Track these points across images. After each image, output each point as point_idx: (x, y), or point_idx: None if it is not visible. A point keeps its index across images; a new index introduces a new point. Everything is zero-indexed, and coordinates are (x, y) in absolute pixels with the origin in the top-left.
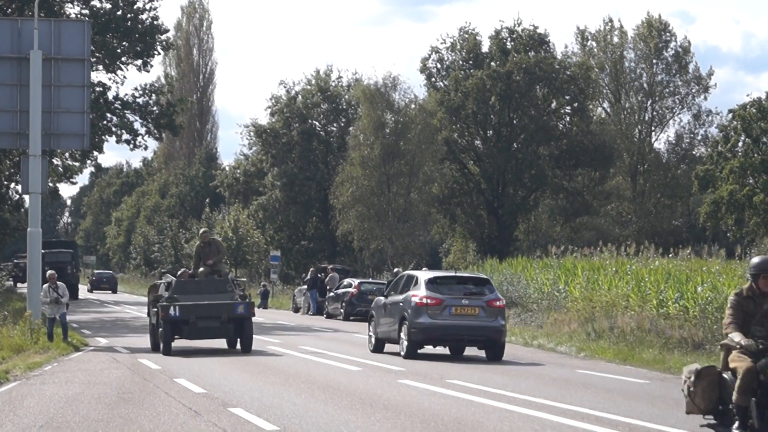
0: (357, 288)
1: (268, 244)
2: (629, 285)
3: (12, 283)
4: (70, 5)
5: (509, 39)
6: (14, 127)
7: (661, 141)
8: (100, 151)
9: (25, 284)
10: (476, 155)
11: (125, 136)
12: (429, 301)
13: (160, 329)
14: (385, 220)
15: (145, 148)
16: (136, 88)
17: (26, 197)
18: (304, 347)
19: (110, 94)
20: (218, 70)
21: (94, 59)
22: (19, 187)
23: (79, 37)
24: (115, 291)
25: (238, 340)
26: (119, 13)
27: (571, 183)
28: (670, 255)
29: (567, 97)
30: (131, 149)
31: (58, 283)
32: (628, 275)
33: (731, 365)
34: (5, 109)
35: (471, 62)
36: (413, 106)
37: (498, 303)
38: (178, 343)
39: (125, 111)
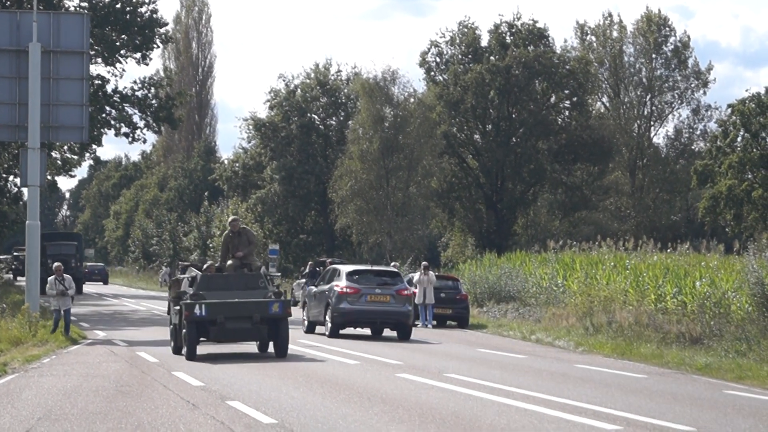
0: None
1: (267, 237)
2: (627, 280)
3: (12, 276)
4: None
5: (508, 33)
6: (13, 120)
7: (660, 136)
8: (99, 144)
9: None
10: (475, 149)
11: (124, 129)
12: (348, 290)
13: (184, 330)
14: (384, 214)
15: (144, 141)
16: (135, 82)
17: (25, 190)
18: (301, 340)
19: (109, 87)
20: (217, 63)
21: (93, 52)
22: (17, 180)
23: (78, 29)
24: (106, 282)
25: (271, 343)
26: (118, 6)
27: (569, 177)
28: (669, 250)
29: (566, 92)
30: (130, 142)
31: (64, 275)
32: (626, 270)
33: None
34: (4, 102)
35: (470, 56)
36: (412, 100)
37: (406, 292)
38: (203, 347)
39: (124, 104)
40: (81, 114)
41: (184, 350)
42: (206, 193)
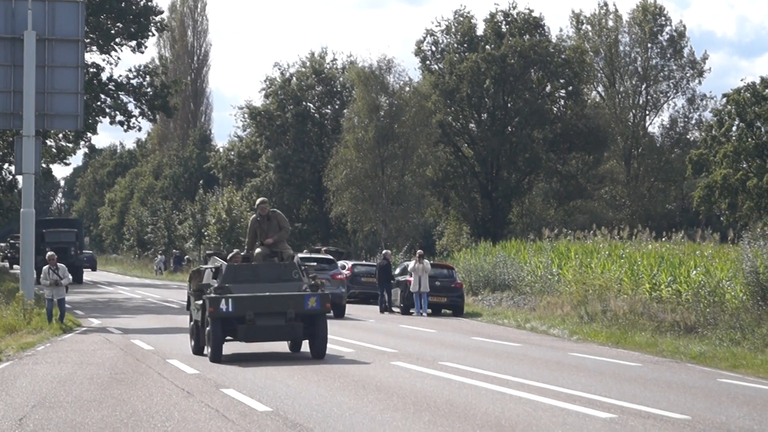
0: (350, 270)
1: None
2: (622, 268)
3: (7, 264)
4: None
5: (504, 22)
6: (8, 108)
7: (655, 125)
8: (94, 132)
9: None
10: (470, 138)
11: (119, 117)
12: None
13: (207, 328)
14: (379, 203)
15: (139, 129)
16: (130, 70)
17: (20, 178)
18: None
19: (104, 75)
20: (212, 51)
21: (88, 40)
22: (12, 168)
23: (73, 17)
24: (94, 269)
25: (306, 342)
26: None
27: (565, 166)
28: (664, 239)
29: (561, 81)
30: (125, 130)
31: (58, 264)
32: (621, 259)
33: None
34: None
35: (466, 45)
36: (408, 88)
37: (339, 276)
38: (229, 347)
39: (119, 92)
40: (76, 102)
41: (207, 350)
42: (201, 182)
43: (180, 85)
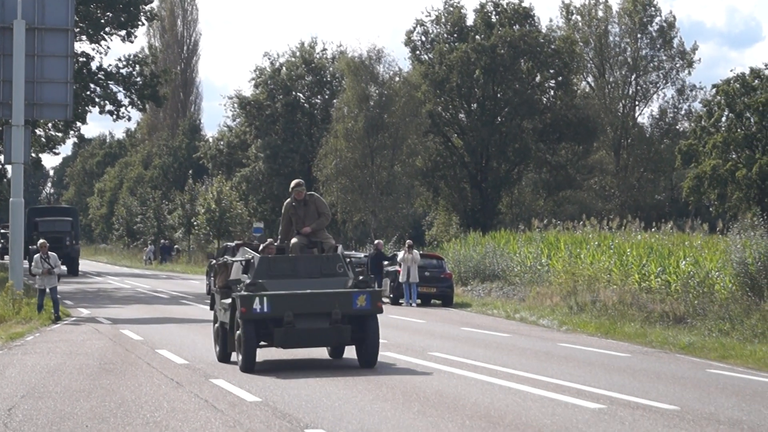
0: None
1: (251, 215)
2: (612, 259)
3: None
4: None
5: (494, 12)
6: None
7: (644, 115)
8: (83, 121)
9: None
10: (460, 128)
11: (108, 107)
12: None
13: (238, 332)
14: (369, 193)
15: (129, 119)
16: (119, 59)
17: (9, 167)
18: None
19: (94, 65)
20: (202, 41)
21: (78, 29)
22: (1, 157)
23: (63, 6)
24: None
25: (352, 347)
26: None
27: (554, 157)
28: (653, 229)
29: (551, 71)
30: (114, 120)
31: (49, 253)
32: (610, 249)
33: None
34: None
35: (455, 35)
36: (397, 78)
37: None
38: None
39: (109, 82)
40: (65, 91)
41: (237, 358)
42: (191, 171)
43: (170, 75)
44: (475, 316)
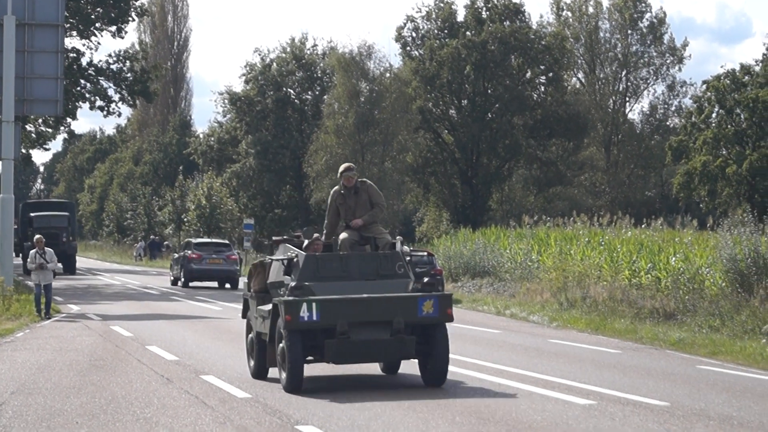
0: None
1: (242, 212)
2: (602, 255)
3: None
4: None
5: (484, 8)
6: None
7: (635, 112)
8: (74, 117)
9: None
10: (451, 124)
11: (99, 103)
12: (194, 255)
13: (281, 345)
14: None
15: (119, 114)
16: (110, 55)
17: None
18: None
19: (84, 61)
20: (193, 37)
21: (68, 25)
22: None
23: (53, 2)
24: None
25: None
26: None
27: (545, 153)
28: (643, 225)
29: (542, 67)
30: (105, 116)
31: (46, 248)
32: (600, 245)
33: None
34: None
35: (446, 31)
36: (388, 75)
37: (233, 257)
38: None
39: (99, 77)
40: (56, 87)
41: (280, 375)
42: (181, 167)
43: (160, 71)
44: (465, 312)
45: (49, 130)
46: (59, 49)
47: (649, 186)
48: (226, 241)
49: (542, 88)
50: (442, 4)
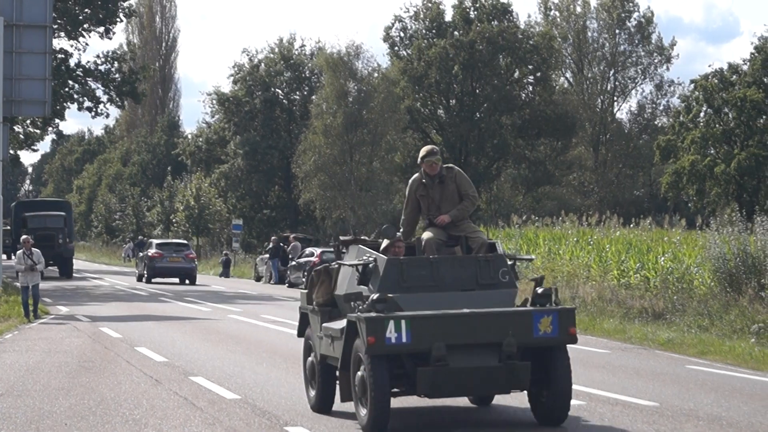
0: (319, 257)
1: (230, 212)
2: (590, 255)
3: None
4: None
5: (472, 8)
6: None
7: (623, 111)
8: (62, 118)
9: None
10: (439, 124)
11: (87, 104)
12: (156, 254)
13: (359, 373)
14: (348, 189)
15: (107, 115)
16: (98, 56)
17: None
18: (265, 316)
19: (72, 62)
20: (181, 37)
21: (56, 26)
22: None
23: (41, 3)
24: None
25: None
26: None
27: (533, 153)
28: (632, 225)
29: (530, 67)
30: (93, 117)
31: (33, 249)
32: (589, 245)
33: None
34: None
35: (434, 31)
36: (376, 74)
37: (191, 255)
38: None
39: (87, 78)
40: (44, 88)
41: (357, 410)
42: (169, 168)
43: (148, 71)
44: None
45: (38, 131)
46: (47, 50)
47: (637, 185)
48: (185, 241)
49: (530, 88)
50: (430, 4)
